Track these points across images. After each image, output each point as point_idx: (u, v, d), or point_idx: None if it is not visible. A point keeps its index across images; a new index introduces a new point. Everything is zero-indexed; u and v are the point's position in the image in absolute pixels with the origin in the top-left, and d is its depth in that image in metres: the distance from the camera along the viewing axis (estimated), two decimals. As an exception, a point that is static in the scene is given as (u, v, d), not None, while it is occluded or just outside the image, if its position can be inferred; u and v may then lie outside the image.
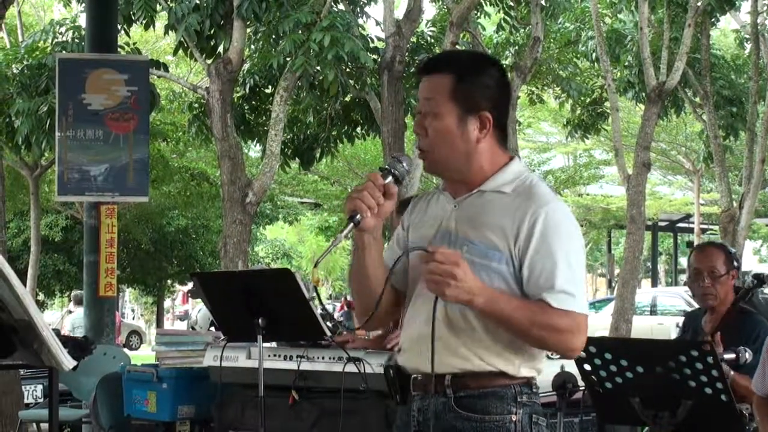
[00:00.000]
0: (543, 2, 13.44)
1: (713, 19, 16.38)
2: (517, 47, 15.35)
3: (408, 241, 2.55)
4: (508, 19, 14.16)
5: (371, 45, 12.19)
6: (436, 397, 2.41)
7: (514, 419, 2.40)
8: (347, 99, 12.82)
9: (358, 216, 2.30)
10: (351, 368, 3.88)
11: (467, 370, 2.39)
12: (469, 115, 2.41)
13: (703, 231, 24.51)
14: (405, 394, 2.51)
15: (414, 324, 2.45)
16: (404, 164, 2.42)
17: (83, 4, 10.87)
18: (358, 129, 13.37)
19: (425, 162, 2.54)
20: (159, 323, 26.55)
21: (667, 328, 10.10)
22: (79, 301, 13.45)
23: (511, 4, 14.02)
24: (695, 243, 19.79)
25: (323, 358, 4.20)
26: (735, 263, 4.48)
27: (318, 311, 4.15)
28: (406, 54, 11.86)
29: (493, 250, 2.37)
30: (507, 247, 2.36)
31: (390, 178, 2.38)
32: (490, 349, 2.38)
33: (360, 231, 2.36)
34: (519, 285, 2.37)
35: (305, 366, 4.22)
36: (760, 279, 4.30)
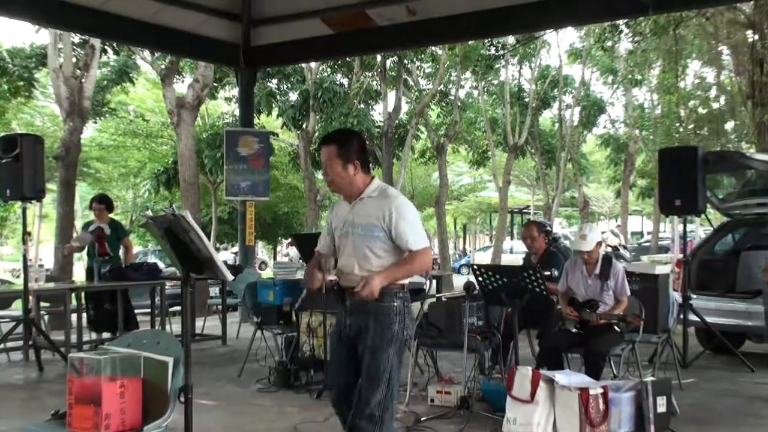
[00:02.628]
0: (459, 103, 26.85)
1: (541, 111, 31.74)
2: (447, 125, 27.75)
3: (332, 227, 4.55)
4: (441, 111, 28.88)
5: (376, 124, 24.12)
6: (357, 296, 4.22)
7: (395, 304, 4.31)
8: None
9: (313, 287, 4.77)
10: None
11: None
12: (347, 162, 4.36)
13: (535, 213, 37.46)
14: (339, 296, 4.52)
15: (348, 270, 4.40)
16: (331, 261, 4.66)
17: (237, 104, 19.74)
18: (370, 164, 20.26)
19: (331, 188, 4.58)
20: (275, 258, 41.80)
21: (518, 259, 12.75)
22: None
23: (443, 105, 28.00)
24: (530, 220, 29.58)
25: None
26: (545, 229, 8.43)
27: None
28: (394, 128, 23.88)
29: (372, 226, 4.31)
30: (380, 224, 4.29)
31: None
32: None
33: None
34: (391, 240, 4.30)
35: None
36: (554, 237, 8.79)
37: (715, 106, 22.23)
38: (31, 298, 9.32)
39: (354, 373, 4.35)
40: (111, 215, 10.62)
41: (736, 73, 18.09)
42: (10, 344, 9.42)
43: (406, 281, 4.38)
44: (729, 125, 22.13)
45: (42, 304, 10.33)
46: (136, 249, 38.54)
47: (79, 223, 13.49)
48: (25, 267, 9.06)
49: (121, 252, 10.82)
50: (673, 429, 6.09)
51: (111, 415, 3.82)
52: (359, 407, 4.26)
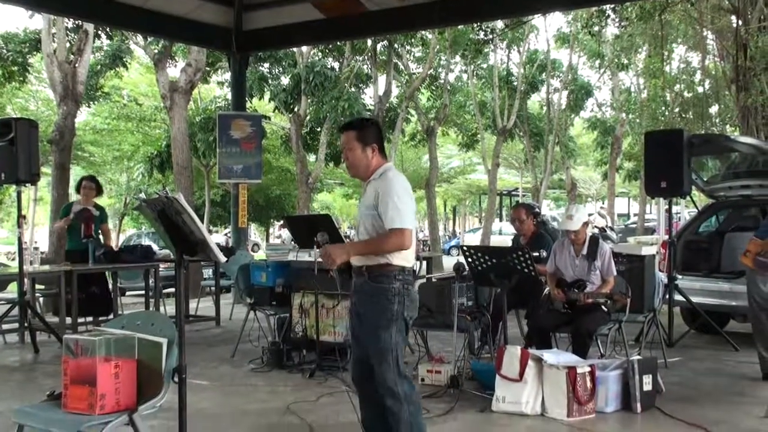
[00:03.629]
0: (449, 87, 26.92)
1: (529, 95, 31.14)
2: (436, 108, 27.34)
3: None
4: (431, 94, 28.94)
5: (367, 108, 23.46)
6: (361, 276, 4.48)
7: (394, 286, 4.40)
8: None
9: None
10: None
11: (372, 264, 4.43)
12: (366, 146, 4.53)
13: (523, 196, 40.25)
14: (350, 275, 4.62)
15: None
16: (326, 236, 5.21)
17: (229, 88, 18.14)
18: None
19: (350, 173, 4.75)
20: (267, 240, 42.06)
21: (507, 241, 12.65)
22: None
23: (433, 89, 27.93)
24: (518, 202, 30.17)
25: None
26: (534, 211, 8.35)
27: (343, 234, 7.26)
28: (385, 112, 23.26)
29: (371, 206, 4.45)
30: (374, 202, 4.42)
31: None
32: (376, 257, 4.42)
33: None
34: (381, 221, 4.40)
35: None
36: (542, 220, 8.80)
37: (700, 90, 22.24)
38: (26, 280, 9.28)
39: (365, 349, 4.49)
40: (95, 200, 10.49)
41: (721, 58, 18.09)
42: (5, 326, 9.40)
43: (407, 264, 4.46)
44: (713, 109, 22.18)
45: (37, 286, 10.29)
46: (130, 231, 38.63)
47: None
48: (20, 250, 9.03)
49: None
50: (659, 407, 6.11)
51: (106, 395, 3.81)
52: (378, 388, 4.42)
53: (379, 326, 4.38)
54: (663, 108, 23.46)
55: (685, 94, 22.62)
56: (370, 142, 4.55)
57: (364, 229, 4.52)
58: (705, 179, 10.46)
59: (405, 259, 4.47)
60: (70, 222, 10.05)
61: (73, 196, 11.29)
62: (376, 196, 4.42)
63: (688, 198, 10.62)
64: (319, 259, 4.63)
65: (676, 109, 22.21)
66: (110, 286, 10.43)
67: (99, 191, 10.50)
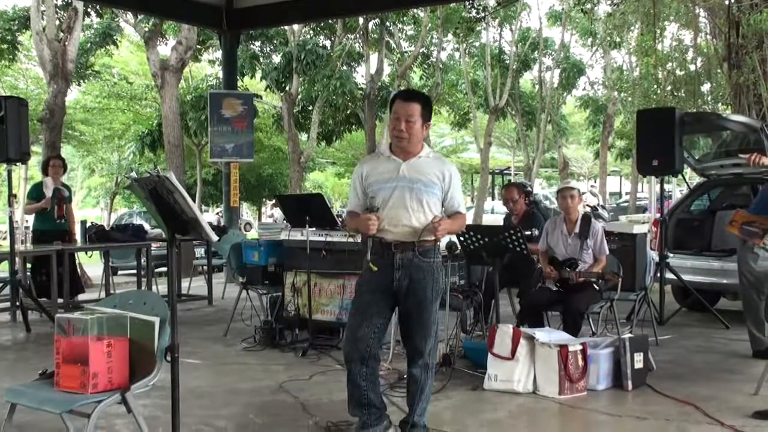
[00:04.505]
0: (441, 65, 27.12)
1: (521, 73, 31.11)
2: (429, 87, 26.75)
3: (366, 182, 4.67)
4: (423, 73, 28.67)
5: (359, 86, 23.71)
6: (408, 252, 4.54)
7: (438, 260, 4.65)
8: (348, 112, 24.06)
9: (371, 232, 4.54)
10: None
11: (425, 239, 4.54)
12: (425, 122, 4.62)
13: (515, 174, 39.72)
14: (385, 251, 4.57)
15: (396, 222, 4.55)
16: (375, 202, 4.60)
17: (220, 66, 17.00)
18: (353, 126, 25.44)
19: (399, 141, 4.62)
20: (259, 219, 41.88)
21: (499, 220, 12.84)
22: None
23: (425, 67, 27.76)
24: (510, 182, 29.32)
25: (337, 234, 7.54)
26: (526, 190, 8.34)
27: (335, 213, 7.57)
28: (377, 90, 23.37)
29: (433, 184, 4.59)
30: (440, 183, 4.61)
31: (376, 211, 4.57)
32: (427, 232, 4.51)
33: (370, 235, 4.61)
34: (442, 199, 4.65)
35: (329, 238, 7.60)
36: (534, 199, 8.77)
37: (692, 68, 22.22)
38: (17, 259, 9.26)
39: (378, 325, 4.60)
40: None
41: (713, 36, 18.04)
42: (-3, 305, 9.39)
43: (439, 240, 4.70)
44: (705, 87, 22.15)
45: (28, 265, 10.27)
46: (122, 210, 38.55)
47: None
48: (11, 229, 9.00)
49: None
50: (650, 384, 6.15)
51: (98, 374, 3.81)
52: (413, 357, 4.59)
53: (429, 300, 4.56)
54: (655, 86, 23.40)
55: (677, 72, 22.59)
56: (428, 120, 4.66)
57: (425, 206, 4.57)
58: (697, 157, 10.47)
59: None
60: (50, 203, 10.04)
61: (65, 177, 11.20)
62: (443, 178, 4.62)
63: (679, 176, 10.62)
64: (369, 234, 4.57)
65: (668, 88, 22.17)
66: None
67: (65, 169, 10.54)
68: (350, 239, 7.30)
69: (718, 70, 18.41)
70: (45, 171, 10.41)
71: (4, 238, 22.27)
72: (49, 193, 10.10)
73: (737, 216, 6.62)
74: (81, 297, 10.44)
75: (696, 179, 11.32)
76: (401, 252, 4.54)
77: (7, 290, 9.16)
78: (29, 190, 10.71)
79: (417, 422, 4.62)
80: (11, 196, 9.20)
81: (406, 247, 4.54)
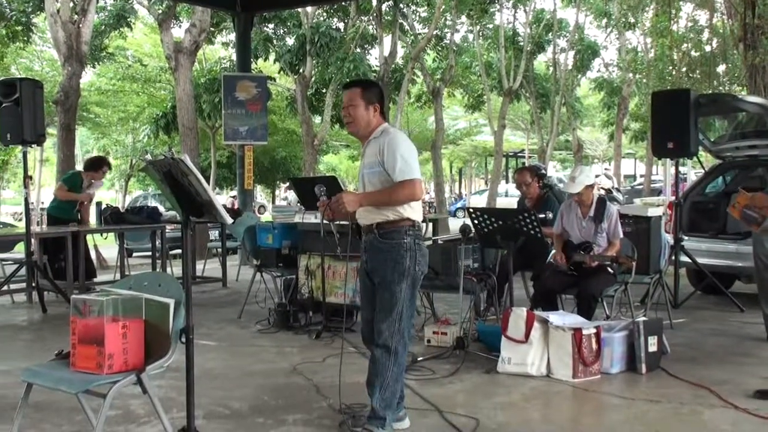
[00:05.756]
0: (455, 47, 26.83)
1: (535, 55, 31.02)
2: (442, 69, 27.07)
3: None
4: (437, 55, 28.13)
5: (373, 68, 23.60)
6: (371, 234, 4.56)
7: (405, 241, 4.47)
8: None
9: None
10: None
11: (382, 221, 4.49)
12: (369, 104, 4.55)
13: (529, 157, 40.35)
14: (357, 235, 4.71)
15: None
16: (323, 188, 4.78)
17: (234, 49, 18.48)
18: None
19: (350, 130, 4.71)
20: (273, 201, 42.77)
21: (513, 203, 12.90)
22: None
23: (439, 50, 27.38)
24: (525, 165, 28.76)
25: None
26: (539, 173, 8.24)
27: None
28: (390, 73, 23.40)
29: (373, 164, 4.49)
30: (378, 159, 4.45)
31: (323, 197, 4.66)
32: (390, 210, 4.46)
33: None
34: (389, 176, 4.41)
35: (343, 221, 6.70)
36: (548, 183, 8.61)
37: (708, 49, 22.05)
38: (33, 241, 9.31)
39: (375, 307, 4.59)
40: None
41: (729, 16, 17.88)
42: (13, 286, 9.44)
43: (417, 218, 4.54)
44: (721, 68, 21.98)
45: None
46: (137, 192, 38.68)
47: (80, 168, 13.34)
48: (27, 210, 9.04)
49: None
50: (664, 367, 6.13)
51: (114, 355, 3.83)
52: (374, 338, 4.52)
53: (390, 281, 4.45)
54: (670, 68, 23.24)
55: (693, 53, 22.42)
56: (374, 101, 4.59)
57: (370, 185, 4.55)
58: (712, 139, 10.39)
59: (415, 212, 4.53)
60: (87, 198, 10.19)
61: (80, 157, 11.22)
62: (381, 152, 4.45)
63: (694, 158, 10.55)
64: (324, 220, 4.64)
65: (683, 69, 22.02)
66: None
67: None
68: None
69: (734, 51, 18.27)
70: (93, 169, 10.41)
71: (20, 220, 22.36)
72: (90, 191, 10.23)
73: (740, 198, 6.55)
74: (96, 279, 10.48)
75: (711, 161, 11.24)
76: (366, 234, 4.64)
77: (23, 271, 9.21)
78: (67, 177, 10.74)
79: (375, 410, 4.50)
80: (27, 178, 9.23)
81: (368, 230, 4.59)
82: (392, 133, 4.53)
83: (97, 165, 10.48)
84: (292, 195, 31.86)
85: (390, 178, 4.42)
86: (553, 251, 7.28)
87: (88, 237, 10.67)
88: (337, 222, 4.73)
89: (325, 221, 4.65)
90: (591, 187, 7.16)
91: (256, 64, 22.62)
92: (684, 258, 9.18)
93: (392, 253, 4.46)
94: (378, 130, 4.59)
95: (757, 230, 6.55)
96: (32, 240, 9.21)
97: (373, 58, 25.32)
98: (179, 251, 15.69)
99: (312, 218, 7.82)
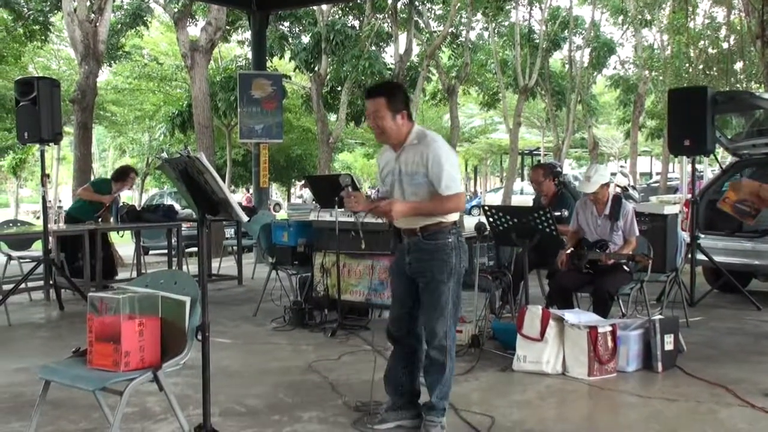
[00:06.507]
0: (470, 45, 26.57)
1: (551, 53, 31.25)
2: (458, 67, 27.28)
3: (382, 175, 4.69)
4: (452, 53, 28.64)
5: (388, 66, 23.38)
6: (415, 236, 4.55)
7: (449, 240, 4.50)
8: None
9: (359, 209, 4.63)
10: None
11: (427, 224, 4.49)
12: (396, 113, 4.46)
13: (545, 155, 39.83)
14: (399, 236, 4.71)
15: None
16: (346, 179, 4.71)
17: (250, 47, 17.31)
18: None
19: (379, 139, 4.61)
20: (288, 199, 42.99)
21: (529, 200, 13.83)
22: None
23: (454, 47, 27.64)
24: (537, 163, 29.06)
25: (366, 215, 6.38)
26: (555, 170, 8.39)
27: (364, 193, 6.74)
28: (405, 71, 23.44)
29: (415, 173, 4.43)
30: (422, 169, 4.40)
31: (348, 188, 4.64)
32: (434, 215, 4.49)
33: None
34: (433, 187, 4.40)
35: (358, 219, 6.73)
36: (563, 180, 8.55)
37: (725, 46, 21.95)
38: (50, 238, 9.36)
39: (409, 305, 4.65)
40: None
41: (746, 13, 17.79)
42: (31, 284, 9.48)
43: (456, 218, 4.58)
44: (738, 65, 21.88)
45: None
46: (153, 191, 38.84)
47: (96, 166, 13.33)
48: (45, 208, 9.08)
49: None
50: (680, 366, 6.11)
51: (130, 352, 3.84)
52: (429, 339, 4.57)
53: (441, 281, 4.46)
54: (687, 65, 23.18)
55: (710, 50, 22.35)
56: (400, 109, 4.48)
57: (411, 193, 4.49)
58: (729, 137, 10.34)
59: (455, 215, 4.59)
60: (108, 201, 10.23)
61: (96, 155, 11.27)
62: (425, 163, 4.40)
63: (711, 156, 10.50)
64: (348, 216, 4.66)
65: (700, 66, 21.95)
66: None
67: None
68: (379, 220, 7.29)
69: (751, 48, 18.17)
70: (122, 179, 10.46)
71: (38, 217, 22.54)
72: (115, 194, 10.30)
73: (730, 194, 6.36)
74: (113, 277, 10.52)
75: (728, 159, 11.18)
76: (408, 237, 4.60)
77: (41, 269, 9.26)
78: (97, 181, 10.84)
79: (435, 404, 4.60)
80: (44, 176, 9.28)
81: (412, 232, 4.57)
82: (435, 143, 4.45)
83: (125, 174, 10.54)
84: (307, 193, 31.90)
85: (427, 188, 4.44)
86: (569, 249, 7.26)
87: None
88: (361, 217, 4.76)
89: (347, 215, 4.68)
90: (606, 185, 7.13)
91: (271, 62, 22.64)
92: (700, 256, 9.15)
93: (439, 252, 4.49)
94: (413, 135, 4.52)
95: (751, 223, 6.43)
96: (50, 238, 9.26)
97: (389, 55, 25.31)
98: (195, 249, 15.78)
99: (327, 216, 7.81)
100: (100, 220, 10.16)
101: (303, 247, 8.40)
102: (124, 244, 15.61)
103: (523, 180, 39.78)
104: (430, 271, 4.49)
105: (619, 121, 37.50)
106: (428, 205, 4.47)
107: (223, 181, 4.46)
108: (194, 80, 16.61)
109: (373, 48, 22.80)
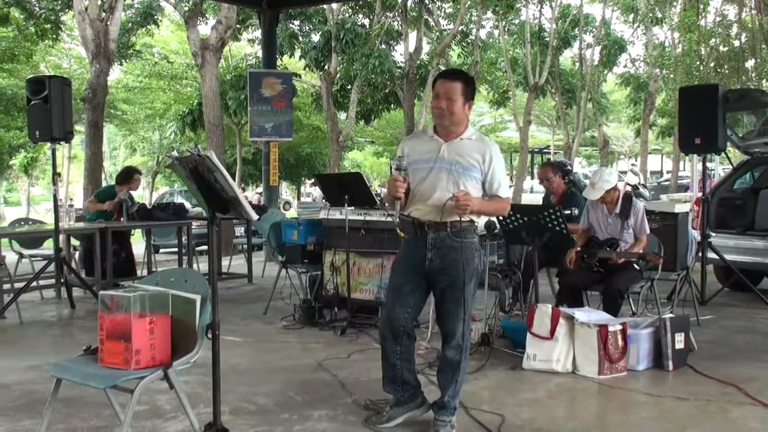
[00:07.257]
0: (480, 43, 26.22)
1: (561, 51, 30.86)
2: (468, 65, 26.19)
3: (405, 162, 4.50)
4: (462, 51, 28.07)
5: (398, 65, 23.69)
6: (441, 231, 4.45)
7: (475, 240, 4.54)
8: (386, 91, 24.68)
9: (399, 195, 4.41)
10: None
11: (460, 220, 4.41)
12: (467, 101, 4.48)
13: (555, 153, 39.43)
14: (417, 230, 4.50)
15: (428, 200, 4.46)
16: (402, 162, 4.49)
17: (260, 45, 17.47)
18: (392, 105, 25.78)
19: (439, 120, 4.52)
20: (298, 198, 43.76)
21: (539, 199, 12.25)
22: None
23: (464, 46, 27.36)
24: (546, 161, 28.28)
25: (376, 213, 7.54)
26: (565, 168, 8.41)
27: (374, 192, 7.48)
28: (415, 69, 23.64)
29: (472, 167, 4.46)
30: (480, 166, 4.47)
31: (402, 172, 4.44)
32: (450, 208, 4.37)
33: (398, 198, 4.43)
34: (483, 182, 4.50)
35: (367, 217, 7.60)
36: (573, 179, 8.72)
37: (736, 44, 21.85)
38: (62, 237, 9.39)
39: (411, 305, 4.58)
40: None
41: (758, 11, 17.74)
42: (42, 282, 9.51)
43: (476, 219, 4.59)
44: (750, 63, 21.79)
45: (73, 242, 10.42)
46: (163, 189, 38.92)
47: (107, 164, 13.38)
48: (56, 207, 9.10)
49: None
50: (691, 365, 6.09)
51: (141, 350, 3.85)
52: (446, 339, 4.54)
53: (464, 281, 4.43)
54: (698, 63, 23.09)
55: (721, 48, 22.25)
56: (471, 99, 4.53)
57: (460, 184, 4.42)
58: (740, 135, 10.30)
59: (478, 216, 4.63)
60: (112, 206, 10.25)
61: (107, 154, 11.31)
62: (484, 162, 4.48)
63: (722, 154, 10.47)
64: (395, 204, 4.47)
65: (711, 64, 21.87)
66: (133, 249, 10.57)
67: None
68: (389, 218, 7.26)
69: (763, 46, 18.10)
70: (125, 181, 10.45)
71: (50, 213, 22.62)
72: (120, 195, 10.27)
73: None
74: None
75: (739, 157, 11.14)
76: (434, 232, 4.46)
77: (52, 267, 9.29)
78: (100, 192, 10.85)
79: (447, 403, 4.58)
80: (56, 175, 9.31)
81: (438, 226, 4.44)
82: (495, 146, 4.59)
83: (129, 176, 10.53)
84: (317, 191, 31.88)
85: (480, 186, 4.52)
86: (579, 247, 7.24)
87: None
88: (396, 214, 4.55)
89: (392, 211, 4.57)
90: (613, 189, 7.06)
91: (281, 60, 22.65)
92: (711, 254, 9.12)
93: (465, 252, 4.45)
94: (470, 131, 4.57)
95: None
96: (60, 236, 9.29)
97: (399, 54, 25.30)
98: (205, 247, 15.80)
99: (337, 214, 7.81)
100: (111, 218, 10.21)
101: (313, 246, 8.39)
102: (134, 242, 15.57)
103: (533, 178, 39.70)
104: (455, 270, 4.44)
105: (630, 119, 37.41)
106: (492, 203, 4.62)
107: (233, 179, 4.48)
108: (204, 79, 16.62)
109: (383, 46, 22.79)
